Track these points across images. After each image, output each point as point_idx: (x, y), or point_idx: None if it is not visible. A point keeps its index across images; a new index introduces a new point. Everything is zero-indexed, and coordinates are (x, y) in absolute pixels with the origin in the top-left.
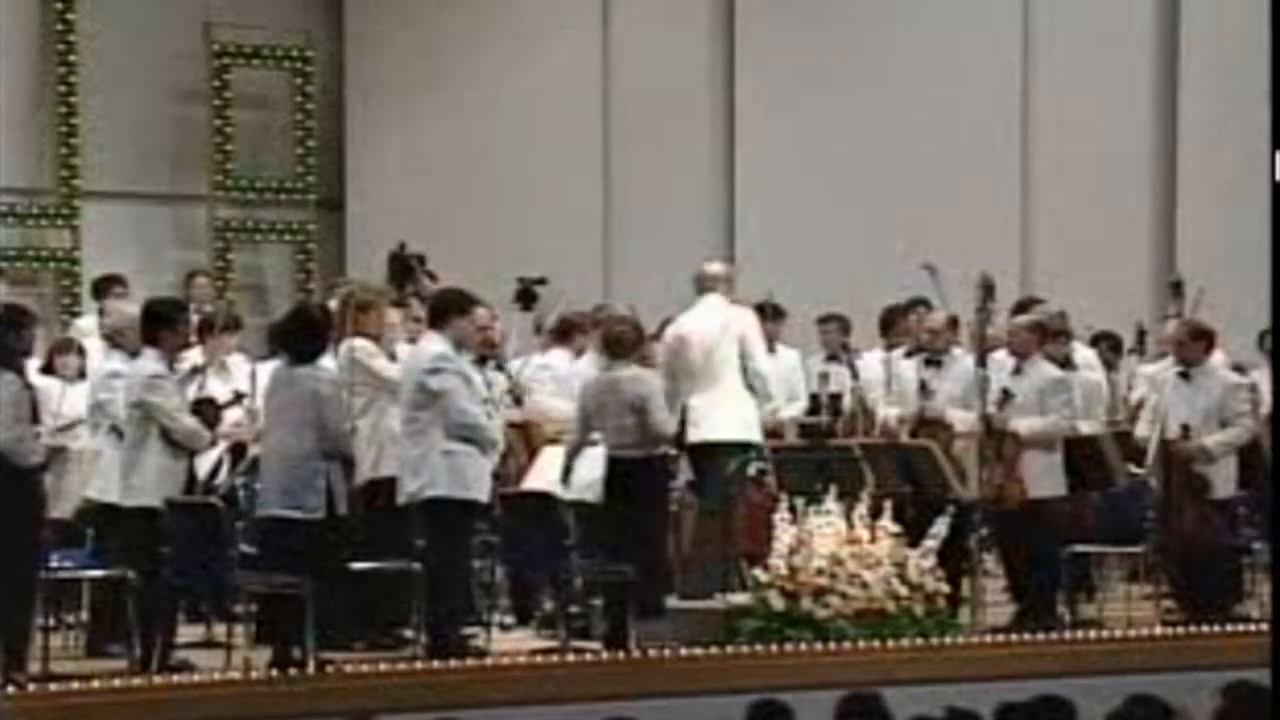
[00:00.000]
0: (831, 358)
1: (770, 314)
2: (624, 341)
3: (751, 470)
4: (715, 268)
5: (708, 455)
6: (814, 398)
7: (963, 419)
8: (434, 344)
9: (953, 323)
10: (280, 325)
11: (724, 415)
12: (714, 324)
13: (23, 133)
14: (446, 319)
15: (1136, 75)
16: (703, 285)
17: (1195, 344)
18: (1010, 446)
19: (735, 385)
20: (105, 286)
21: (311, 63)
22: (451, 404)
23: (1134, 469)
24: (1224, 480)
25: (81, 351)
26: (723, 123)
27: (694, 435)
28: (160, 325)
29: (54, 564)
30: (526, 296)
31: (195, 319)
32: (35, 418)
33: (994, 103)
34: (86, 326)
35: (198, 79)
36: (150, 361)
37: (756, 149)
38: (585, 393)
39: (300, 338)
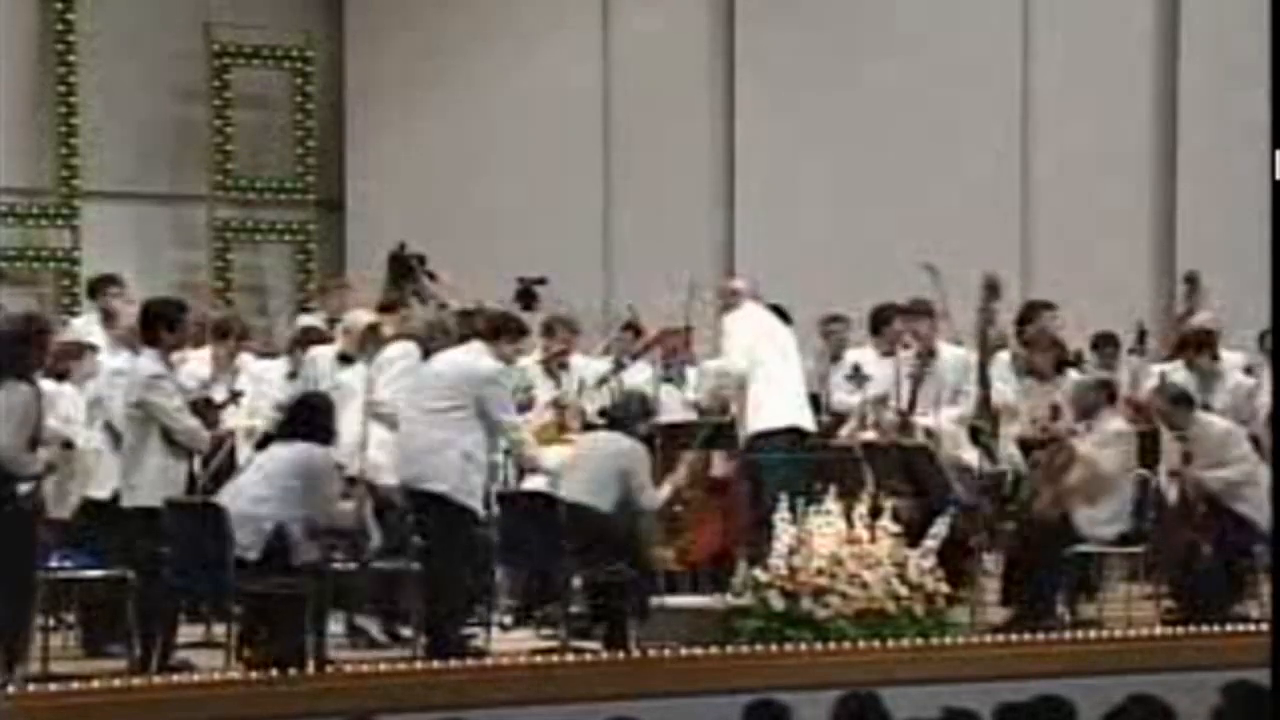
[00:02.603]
0: (833, 358)
1: None
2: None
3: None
4: (744, 281)
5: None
6: (814, 398)
7: (947, 416)
8: (487, 357)
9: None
10: (288, 412)
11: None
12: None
13: (23, 133)
14: (499, 339)
15: (1136, 75)
16: (741, 297)
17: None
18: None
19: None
20: (101, 286)
21: (311, 63)
22: (493, 415)
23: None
24: None
25: (93, 349)
26: (723, 123)
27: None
28: (159, 325)
29: (54, 564)
30: (526, 296)
31: (198, 323)
32: (39, 430)
33: (994, 103)
34: (83, 327)
35: (198, 79)
36: (150, 361)
37: (756, 149)
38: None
39: (304, 424)
